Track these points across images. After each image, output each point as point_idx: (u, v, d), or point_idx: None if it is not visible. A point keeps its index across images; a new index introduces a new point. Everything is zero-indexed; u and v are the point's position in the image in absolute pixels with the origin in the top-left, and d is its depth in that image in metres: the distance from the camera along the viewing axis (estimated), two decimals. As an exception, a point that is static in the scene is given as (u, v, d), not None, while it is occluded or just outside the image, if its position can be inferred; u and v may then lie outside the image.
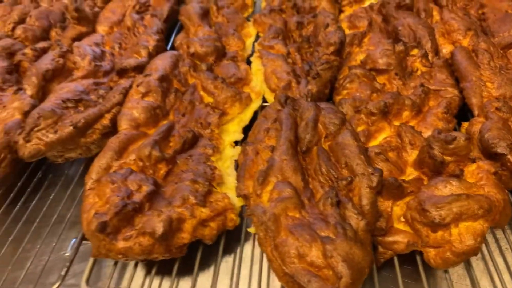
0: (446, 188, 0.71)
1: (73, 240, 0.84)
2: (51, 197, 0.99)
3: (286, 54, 1.21)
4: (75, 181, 1.03)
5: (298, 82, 1.08)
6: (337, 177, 0.76)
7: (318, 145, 0.83)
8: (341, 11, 1.45)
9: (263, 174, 0.76)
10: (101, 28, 1.45)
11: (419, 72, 1.06)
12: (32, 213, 0.96)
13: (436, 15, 1.27)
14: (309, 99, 0.99)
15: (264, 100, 1.14)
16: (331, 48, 1.10)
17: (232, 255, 0.87)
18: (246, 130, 1.04)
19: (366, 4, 1.42)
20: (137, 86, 1.05)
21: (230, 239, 0.86)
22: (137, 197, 0.77)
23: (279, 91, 1.06)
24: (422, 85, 0.99)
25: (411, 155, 0.84)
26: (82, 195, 0.84)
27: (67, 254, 0.81)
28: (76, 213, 0.95)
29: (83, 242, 0.86)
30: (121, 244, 0.71)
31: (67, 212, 0.96)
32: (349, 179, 0.74)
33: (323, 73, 1.05)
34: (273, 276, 0.81)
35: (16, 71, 1.25)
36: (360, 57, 1.16)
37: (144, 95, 1.04)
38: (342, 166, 0.77)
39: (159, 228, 0.71)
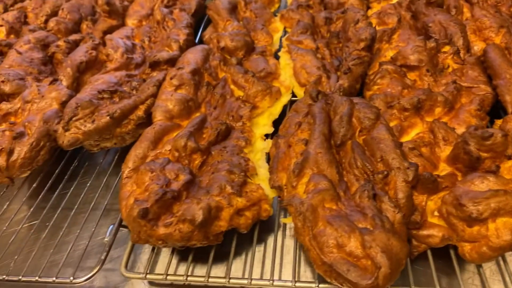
0: (483, 184, 0.72)
1: (111, 227, 0.87)
2: (87, 185, 1.02)
3: (315, 49, 1.22)
4: (110, 170, 1.06)
5: (328, 77, 1.09)
6: (373, 170, 0.77)
7: (352, 139, 0.84)
8: (368, 8, 1.45)
9: (299, 166, 0.77)
10: (131, 22, 1.48)
11: (450, 69, 1.05)
12: (70, 200, 0.99)
13: (466, 12, 1.26)
14: (340, 94, 1.00)
15: (293, 95, 1.15)
16: (362, 44, 1.11)
17: (263, 245, 0.88)
18: (275, 124, 1.06)
19: (394, 0, 1.41)
20: (171, 78, 1.07)
21: (262, 229, 0.88)
22: (175, 186, 0.80)
23: (309, 85, 1.07)
24: (454, 82, 0.99)
25: (444, 151, 0.85)
26: (119, 183, 0.87)
27: (106, 239, 0.84)
28: (111, 201, 0.98)
29: (119, 228, 0.89)
30: (161, 230, 0.73)
31: (103, 199, 0.99)
32: (385, 173, 0.75)
33: (354, 68, 1.06)
34: (305, 266, 0.84)
35: (50, 62, 1.29)
36: (390, 53, 1.16)
37: (177, 87, 1.06)
38: (378, 160, 0.78)
39: (199, 216, 0.73)
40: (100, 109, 1.01)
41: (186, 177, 0.82)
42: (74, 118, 0.98)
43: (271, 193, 0.84)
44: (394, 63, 1.08)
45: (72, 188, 1.03)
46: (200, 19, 1.59)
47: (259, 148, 0.97)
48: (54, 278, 0.80)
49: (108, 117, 0.99)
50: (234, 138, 0.96)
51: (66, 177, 1.05)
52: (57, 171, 1.06)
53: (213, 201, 0.76)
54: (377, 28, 1.28)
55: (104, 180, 1.03)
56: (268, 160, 0.94)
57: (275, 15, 1.50)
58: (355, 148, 0.81)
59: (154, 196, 0.75)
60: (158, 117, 1.00)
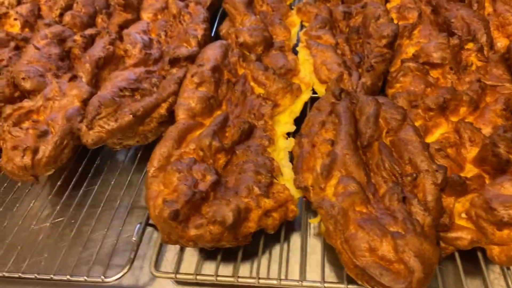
0: (513, 187, 0.72)
1: (138, 226, 0.88)
2: (112, 183, 1.03)
3: (334, 45, 1.21)
4: (133, 168, 1.07)
5: (350, 74, 1.09)
6: (401, 173, 0.77)
7: (379, 140, 0.84)
8: (387, 1, 1.43)
9: (327, 168, 0.77)
10: (146, 15, 1.46)
11: (474, 67, 1.05)
12: (94, 198, 1.00)
13: (488, 7, 1.25)
14: (363, 92, 1.00)
15: (313, 91, 1.15)
16: (384, 41, 1.10)
17: (287, 243, 0.89)
18: (296, 121, 1.06)
19: (413, -7, 1.39)
20: (192, 76, 1.07)
21: (285, 228, 0.89)
22: (203, 186, 0.80)
23: (331, 83, 1.06)
24: (478, 80, 0.98)
25: (470, 152, 0.84)
26: (145, 182, 0.87)
27: (134, 239, 0.85)
28: (136, 198, 1.00)
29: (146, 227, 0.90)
30: (192, 231, 0.74)
31: (127, 197, 1.00)
32: (414, 175, 0.75)
33: (377, 66, 1.05)
34: (331, 266, 0.85)
35: (67, 57, 1.29)
36: (411, 49, 1.15)
37: (198, 85, 1.06)
38: (406, 162, 0.78)
39: (229, 217, 0.74)
40: (122, 107, 1.01)
41: (213, 177, 0.83)
42: (97, 117, 0.98)
43: (296, 193, 0.85)
44: (416, 61, 1.07)
45: (96, 186, 1.04)
46: (215, 11, 1.58)
47: (282, 147, 0.97)
48: (85, 277, 0.81)
49: (131, 116, 0.99)
50: (258, 137, 0.96)
51: (89, 175, 1.06)
52: (80, 168, 1.07)
53: (242, 203, 0.77)
54: (397, 23, 1.27)
55: (128, 178, 1.04)
56: (291, 159, 0.94)
57: (291, 8, 1.48)
58: (382, 149, 0.81)
59: (183, 197, 0.76)
60: (181, 115, 1.00)
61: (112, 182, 1.04)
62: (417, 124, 0.92)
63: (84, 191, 1.03)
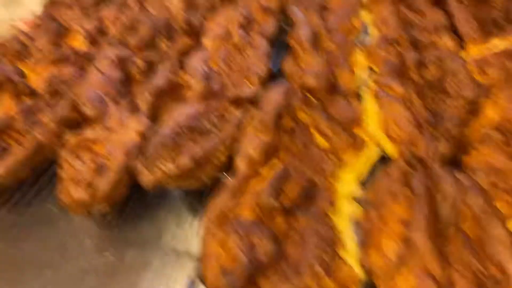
0: None
1: (188, 283, 0.85)
2: (162, 222, 1.02)
3: (405, 97, 1.13)
4: (184, 206, 1.05)
5: (422, 134, 1.01)
6: (482, 272, 0.70)
7: (457, 227, 0.76)
8: (462, 48, 1.33)
9: (402, 258, 0.71)
10: (207, 42, 1.44)
11: None
12: (145, 238, 0.99)
13: None
14: (439, 163, 0.92)
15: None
16: (463, 102, 1.01)
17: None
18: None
19: (491, 43, 1.28)
20: (253, 121, 1.03)
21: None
22: (263, 256, 0.76)
23: (403, 145, 0.99)
24: None
25: (562, 251, 0.75)
26: (202, 237, 0.84)
27: (183, 296, 0.83)
28: (187, 243, 0.97)
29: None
30: (249, 311, 0.70)
31: (177, 241, 0.98)
32: (500, 280, 0.67)
33: (455, 133, 0.97)
34: None
35: (127, 81, 1.28)
36: (491, 112, 1.05)
37: (260, 131, 1.02)
38: (490, 260, 0.70)
39: (290, 302, 0.69)
40: (182, 150, 0.99)
41: (272, 246, 0.78)
42: (156, 158, 0.96)
43: (360, 274, 0.79)
44: (499, 129, 0.98)
45: (147, 223, 1.02)
46: (274, 40, 1.53)
47: (345, 212, 0.91)
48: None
49: (190, 161, 0.96)
50: (319, 199, 0.91)
51: (140, 210, 1.04)
52: (130, 202, 1.06)
53: (302, 284, 0.72)
54: (476, 77, 1.17)
55: (180, 218, 1.02)
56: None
57: (356, 45, 1.41)
58: (463, 240, 0.73)
59: (243, 270, 0.72)
60: (240, 164, 0.96)
61: (163, 221, 1.02)
62: (497, 205, 0.83)
63: (134, 226, 1.02)
